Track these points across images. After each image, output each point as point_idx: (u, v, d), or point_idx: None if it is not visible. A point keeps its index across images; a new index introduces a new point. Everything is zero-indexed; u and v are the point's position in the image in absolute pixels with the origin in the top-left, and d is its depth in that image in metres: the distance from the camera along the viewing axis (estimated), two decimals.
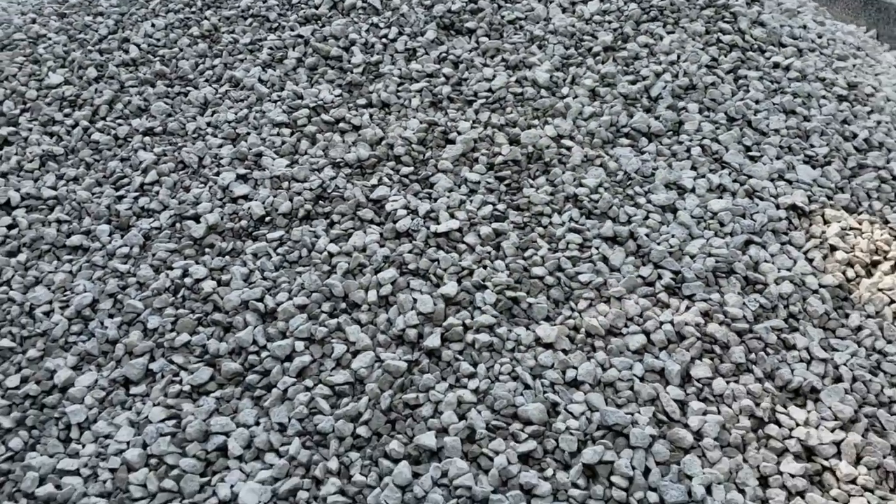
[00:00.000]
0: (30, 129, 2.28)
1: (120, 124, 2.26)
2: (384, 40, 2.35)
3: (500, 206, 1.86)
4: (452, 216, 1.84)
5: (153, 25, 2.58)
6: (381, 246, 1.80)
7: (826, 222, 1.87)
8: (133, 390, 1.63)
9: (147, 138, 2.20)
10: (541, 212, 1.85)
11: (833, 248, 1.81)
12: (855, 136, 2.11)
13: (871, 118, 2.19)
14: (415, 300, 1.67)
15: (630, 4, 2.39)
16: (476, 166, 1.96)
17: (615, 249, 1.76)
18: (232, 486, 1.45)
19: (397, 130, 2.05)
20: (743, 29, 2.35)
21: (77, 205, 2.04)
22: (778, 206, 1.87)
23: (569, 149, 1.99)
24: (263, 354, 1.64)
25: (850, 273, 1.77)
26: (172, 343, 1.68)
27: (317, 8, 2.51)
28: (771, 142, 2.03)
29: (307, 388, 1.56)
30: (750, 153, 2.00)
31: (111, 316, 1.78)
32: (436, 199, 1.89)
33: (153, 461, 1.50)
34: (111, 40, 2.55)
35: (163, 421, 1.56)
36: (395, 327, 1.63)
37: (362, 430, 1.48)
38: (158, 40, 2.54)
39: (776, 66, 2.26)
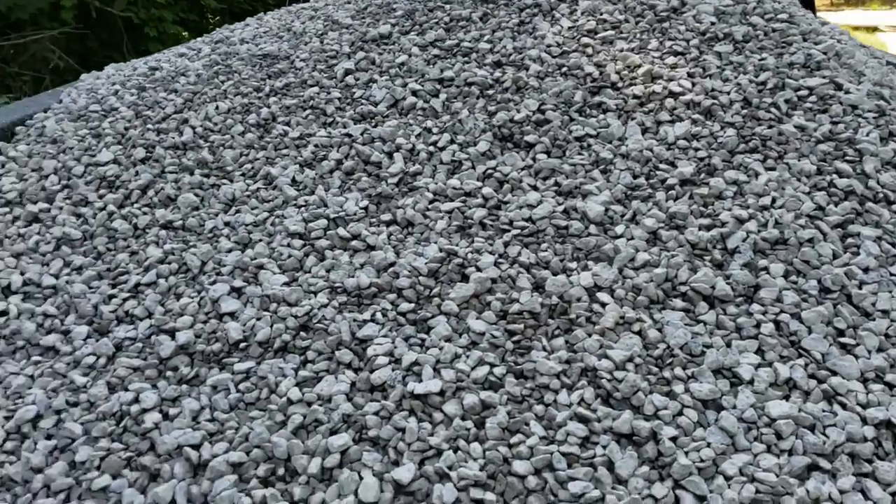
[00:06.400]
0: (60, 209, 2.20)
1: (144, 213, 2.13)
2: (431, 148, 2.09)
3: (499, 370, 1.52)
4: (438, 374, 1.51)
5: (217, 108, 2.47)
6: (348, 399, 1.50)
7: None
8: None
9: (163, 232, 2.05)
10: (546, 385, 1.49)
11: None
12: None
13: None
14: (360, 479, 1.36)
15: (727, 130, 2.00)
16: (486, 313, 1.63)
17: (626, 453, 1.36)
18: None
19: (409, 257, 1.77)
20: (868, 172, 1.88)
21: (69, 298, 1.90)
22: (865, 421, 1.40)
23: (603, 305, 1.62)
24: None
25: None
26: (91, 485, 1.46)
27: (376, 105, 2.30)
28: (874, 328, 1.55)
29: None
30: (842, 339, 1.54)
31: (48, 437, 1.59)
32: (427, 350, 1.57)
33: None
34: (172, 120, 2.47)
35: None
36: None
37: None
38: (216, 124, 2.42)
39: None
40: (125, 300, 1.87)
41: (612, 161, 1.96)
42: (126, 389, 1.64)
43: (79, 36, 7.98)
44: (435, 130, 2.15)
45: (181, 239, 2.03)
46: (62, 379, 1.71)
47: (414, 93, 2.30)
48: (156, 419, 1.55)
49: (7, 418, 1.64)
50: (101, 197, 2.22)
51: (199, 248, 1.96)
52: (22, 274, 2.00)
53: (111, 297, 1.89)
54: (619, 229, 1.79)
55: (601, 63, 2.27)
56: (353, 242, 1.86)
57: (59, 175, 2.33)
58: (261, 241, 1.94)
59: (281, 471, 1.42)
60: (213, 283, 1.85)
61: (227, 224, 2.04)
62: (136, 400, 1.60)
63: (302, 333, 1.67)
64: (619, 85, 2.19)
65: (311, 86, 2.47)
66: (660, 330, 1.57)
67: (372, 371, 1.55)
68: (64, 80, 7.59)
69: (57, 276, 1.99)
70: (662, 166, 1.93)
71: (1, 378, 1.74)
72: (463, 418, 1.45)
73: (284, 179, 2.10)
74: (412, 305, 1.68)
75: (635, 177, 1.92)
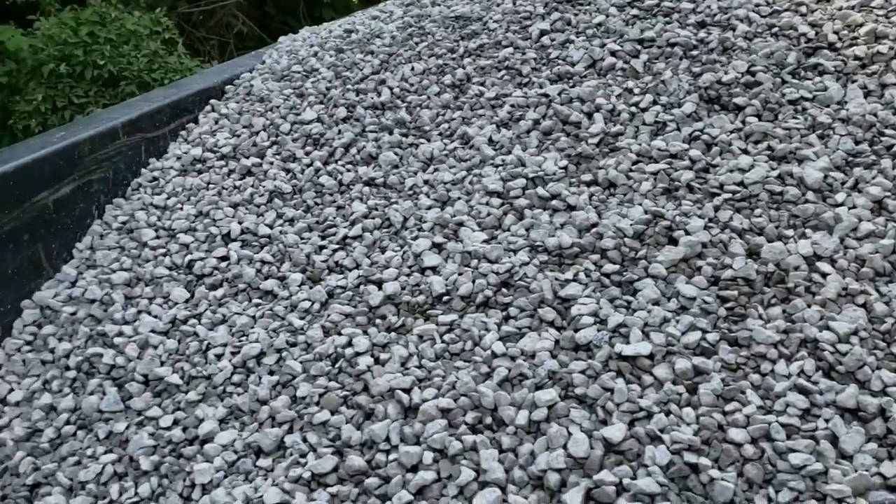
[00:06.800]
0: (271, 164, 2.34)
1: (348, 170, 2.24)
2: (633, 108, 2.05)
3: (712, 336, 1.48)
4: (647, 337, 1.50)
5: (412, 69, 2.54)
6: (553, 357, 1.52)
7: None
8: (260, 462, 1.54)
9: (366, 188, 2.14)
10: (763, 354, 1.44)
11: None
12: None
13: None
14: (569, 435, 1.38)
15: None
16: (696, 278, 1.59)
17: (852, 428, 1.30)
18: None
19: (613, 218, 1.75)
20: None
21: (283, 247, 2.03)
22: None
23: (824, 276, 1.54)
24: (391, 456, 1.46)
25: None
26: (312, 419, 1.56)
27: (573, 66, 2.28)
28: None
29: None
30: None
31: (271, 373, 1.72)
32: (633, 312, 1.56)
33: None
34: (370, 80, 2.56)
35: None
36: (536, 466, 1.35)
37: None
38: (412, 85, 2.48)
39: None
40: (335, 251, 1.98)
41: (830, 126, 1.85)
42: (339, 334, 1.73)
43: (258, 2, 8.40)
44: (636, 91, 2.10)
45: (383, 195, 2.11)
46: (281, 321, 1.84)
47: (613, 53, 2.26)
48: (368, 362, 1.64)
49: (234, 353, 1.78)
50: (307, 154, 2.35)
51: (400, 205, 2.03)
52: (240, 223, 2.15)
53: (321, 247, 2.00)
54: (840, 197, 1.69)
55: (817, 23, 2.14)
56: (553, 202, 1.86)
57: (267, 132, 2.48)
58: (459, 198, 1.99)
59: (488, 419, 1.46)
60: (415, 238, 1.92)
61: (426, 182, 2.10)
62: (350, 344, 1.69)
63: (503, 290, 1.70)
64: (838, 46, 2.05)
65: (506, 46, 2.48)
66: (887, 304, 1.48)
67: (576, 330, 1.55)
68: (245, 44, 8.03)
69: (271, 227, 2.13)
70: (888, 132, 1.80)
71: (226, 317, 1.89)
72: (674, 382, 1.43)
73: (481, 139, 2.14)
74: (616, 267, 1.67)
75: (857, 142, 1.80)
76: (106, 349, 1.86)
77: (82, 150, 2.21)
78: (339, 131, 2.37)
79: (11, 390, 1.89)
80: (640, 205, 1.78)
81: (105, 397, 1.75)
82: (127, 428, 1.69)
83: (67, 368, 1.88)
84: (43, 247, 2.11)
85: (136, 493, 1.55)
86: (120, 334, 1.89)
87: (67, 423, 1.76)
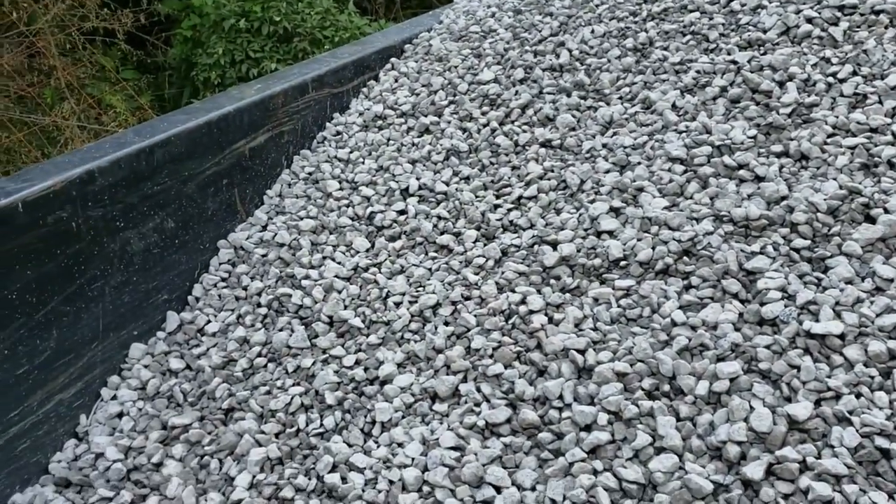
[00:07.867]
0: (448, 122, 2.40)
1: (524, 130, 2.26)
2: (830, 79, 1.94)
3: None
4: (838, 316, 1.45)
5: (592, 32, 2.51)
6: (736, 330, 1.50)
7: None
8: (436, 406, 1.62)
9: (542, 150, 2.16)
10: None
11: None
12: None
13: None
14: (751, 409, 1.36)
15: None
16: (894, 258, 1.52)
17: None
18: None
19: (805, 192, 1.68)
20: None
21: (458, 204, 2.09)
22: None
23: None
24: (564, 414, 1.49)
25: None
26: (486, 370, 1.62)
27: (765, 32, 2.19)
28: None
29: (594, 472, 1.38)
30: None
31: (446, 324, 1.79)
32: (824, 290, 1.51)
33: (425, 488, 1.47)
34: (549, 42, 2.56)
35: (449, 448, 1.51)
36: (716, 436, 1.35)
37: None
38: (591, 48, 2.46)
39: None
40: (509, 210, 2.02)
41: None
42: (513, 291, 1.78)
43: None
44: (834, 61, 1.99)
45: (559, 157, 2.13)
46: (456, 275, 1.90)
47: (809, 20, 2.14)
48: (542, 321, 1.67)
49: (411, 302, 1.87)
50: (483, 114, 2.38)
51: (577, 168, 2.03)
52: (417, 179, 2.23)
53: (496, 206, 2.05)
54: None
55: None
56: (740, 172, 1.81)
57: (445, 91, 2.54)
58: (640, 163, 1.97)
59: (666, 387, 1.47)
60: (592, 201, 1.92)
61: (604, 146, 2.09)
62: (523, 301, 1.73)
63: (685, 258, 1.68)
64: None
65: (692, 11, 2.40)
66: None
67: (762, 304, 1.52)
68: (408, 3, 8.17)
69: (447, 184, 2.19)
70: None
71: (404, 268, 1.98)
72: (866, 365, 1.38)
73: (664, 104, 2.09)
74: (807, 242, 1.61)
75: None
76: (294, 290, 1.99)
77: (276, 103, 2.35)
78: (517, 92, 2.39)
79: (209, 321, 2.06)
80: (835, 179, 1.70)
81: (293, 334, 1.88)
82: (313, 364, 1.81)
83: (259, 305, 2.03)
84: (238, 191, 2.27)
85: (322, 425, 1.67)
86: (307, 277, 2.02)
87: (259, 355, 1.90)
